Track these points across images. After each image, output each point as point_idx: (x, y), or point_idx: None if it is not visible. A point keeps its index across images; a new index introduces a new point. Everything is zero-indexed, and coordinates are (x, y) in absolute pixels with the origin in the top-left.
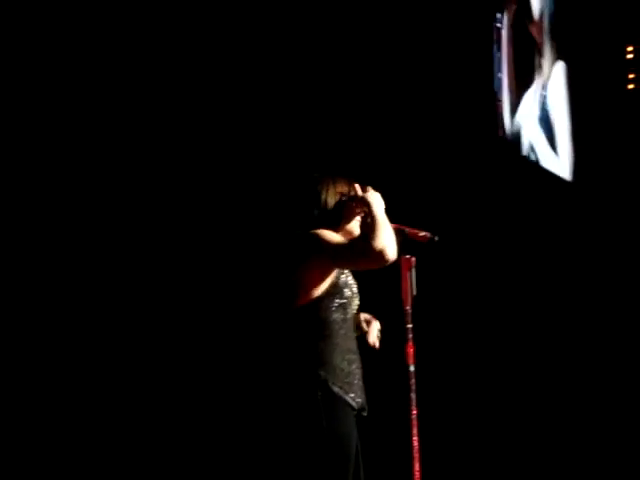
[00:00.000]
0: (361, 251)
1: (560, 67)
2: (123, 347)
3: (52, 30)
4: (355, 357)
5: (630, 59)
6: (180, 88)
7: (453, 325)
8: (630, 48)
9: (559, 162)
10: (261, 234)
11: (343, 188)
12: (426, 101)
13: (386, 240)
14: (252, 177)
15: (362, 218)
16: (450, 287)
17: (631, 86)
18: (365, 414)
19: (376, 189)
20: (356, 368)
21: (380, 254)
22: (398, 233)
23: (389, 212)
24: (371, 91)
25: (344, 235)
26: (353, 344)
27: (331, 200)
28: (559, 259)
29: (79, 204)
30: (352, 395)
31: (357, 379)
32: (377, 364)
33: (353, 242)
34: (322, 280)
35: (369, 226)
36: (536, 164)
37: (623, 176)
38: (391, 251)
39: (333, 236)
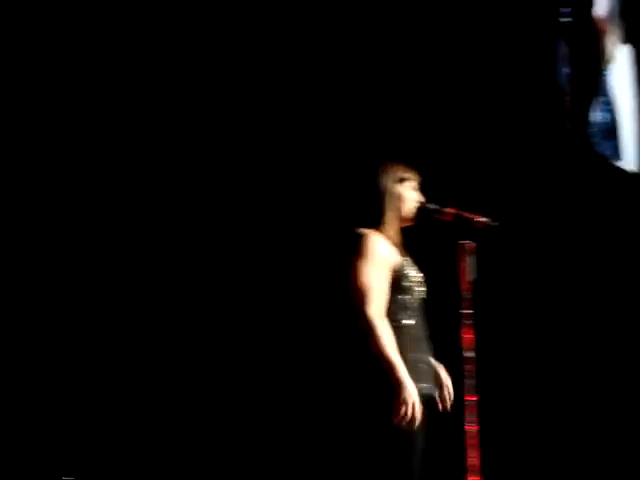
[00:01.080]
0: (360, 311)
1: (625, 52)
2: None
3: (52, 30)
4: (423, 345)
5: None
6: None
7: (512, 312)
8: None
9: (622, 151)
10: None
11: (403, 173)
12: (493, 93)
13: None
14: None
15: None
16: (509, 274)
17: None
18: (434, 397)
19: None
20: (425, 355)
21: (362, 322)
22: (457, 218)
23: (450, 197)
24: (440, 81)
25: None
26: (421, 332)
27: (391, 185)
28: (619, 253)
29: (85, 207)
30: (421, 385)
31: (427, 365)
32: (439, 350)
33: (368, 292)
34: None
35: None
36: (603, 156)
37: None
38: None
39: (366, 267)
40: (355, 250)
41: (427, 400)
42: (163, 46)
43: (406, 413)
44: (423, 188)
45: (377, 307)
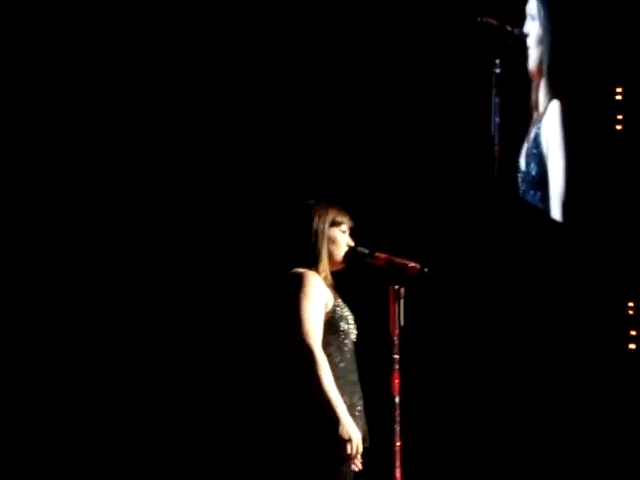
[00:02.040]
0: (302, 341)
1: (555, 105)
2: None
3: (52, 30)
4: (357, 389)
5: (619, 100)
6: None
7: (440, 357)
8: (619, 89)
9: (549, 200)
10: (257, 268)
11: (336, 216)
12: (425, 139)
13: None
14: (247, 204)
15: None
16: (438, 319)
17: (619, 127)
18: (366, 445)
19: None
20: (358, 399)
21: (304, 360)
22: (388, 263)
23: (381, 242)
24: (373, 125)
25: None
26: (354, 376)
27: (323, 228)
28: (547, 297)
29: (80, 211)
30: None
31: (359, 411)
32: (363, 395)
33: (310, 331)
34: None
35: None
36: (530, 205)
37: (612, 215)
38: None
39: (308, 305)
40: (296, 288)
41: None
42: (158, 45)
43: (347, 451)
44: (354, 232)
45: (319, 343)
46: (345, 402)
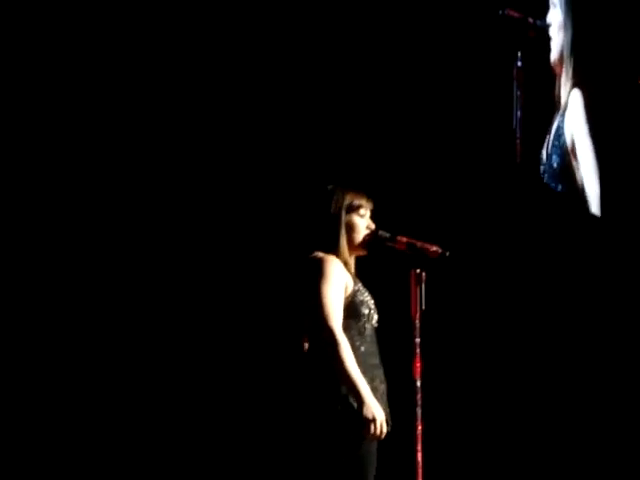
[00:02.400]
0: (324, 326)
1: (577, 94)
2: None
3: (52, 30)
4: (379, 372)
5: None
6: (176, 106)
7: (461, 341)
8: None
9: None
10: (276, 254)
11: (354, 200)
12: (448, 127)
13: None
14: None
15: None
16: (460, 303)
17: None
18: (389, 428)
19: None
20: (379, 383)
21: (325, 346)
22: (409, 247)
23: (403, 225)
24: (396, 111)
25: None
26: (376, 359)
27: (342, 213)
28: (568, 284)
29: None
30: None
31: (380, 394)
32: (386, 378)
33: (330, 315)
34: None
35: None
36: (552, 188)
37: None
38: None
39: (328, 290)
40: (315, 272)
41: None
42: (150, 45)
43: (371, 431)
44: (375, 216)
45: (339, 325)
46: (372, 381)
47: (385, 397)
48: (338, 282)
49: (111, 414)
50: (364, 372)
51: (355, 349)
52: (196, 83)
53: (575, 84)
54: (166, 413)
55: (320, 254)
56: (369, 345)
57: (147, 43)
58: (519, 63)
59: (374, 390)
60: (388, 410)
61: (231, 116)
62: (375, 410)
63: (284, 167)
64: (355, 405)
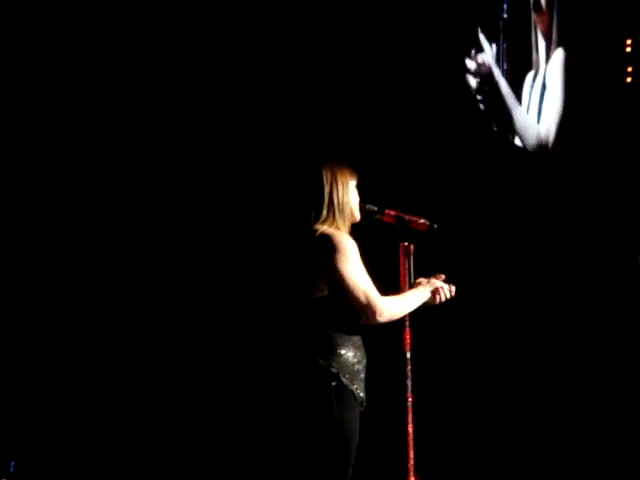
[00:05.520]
0: (366, 305)
1: (560, 53)
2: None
3: (52, 30)
4: (362, 352)
5: (629, 52)
6: (175, 84)
7: (450, 313)
8: (629, 41)
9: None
10: (272, 229)
11: (347, 178)
12: (425, 94)
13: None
14: (257, 170)
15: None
16: (447, 275)
17: (629, 79)
18: (362, 409)
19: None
20: (362, 360)
21: (377, 318)
22: (397, 220)
23: (389, 199)
24: (375, 80)
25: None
26: (360, 338)
27: (340, 192)
28: (552, 250)
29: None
30: (356, 387)
31: (362, 373)
32: (374, 350)
33: (366, 291)
34: None
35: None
36: (523, 149)
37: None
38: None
39: (352, 268)
40: (336, 251)
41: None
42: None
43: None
44: (363, 189)
45: (376, 294)
46: (352, 362)
47: (364, 376)
48: (358, 257)
49: (110, 409)
50: (351, 348)
51: (346, 324)
52: (186, 62)
53: (560, 43)
54: (167, 384)
55: (327, 229)
56: (357, 324)
57: (139, 35)
58: (505, 15)
59: (357, 367)
60: (364, 390)
61: (223, 96)
62: (431, 285)
63: (274, 143)
64: (344, 381)
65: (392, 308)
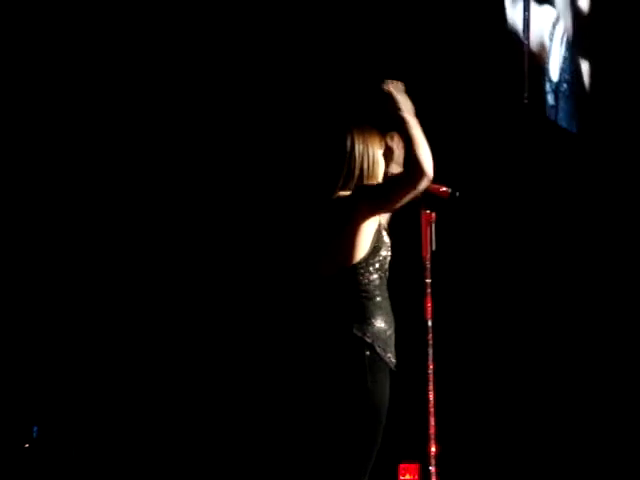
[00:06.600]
0: (407, 178)
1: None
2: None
3: (52, 30)
4: (391, 316)
5: None
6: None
7: (472, 281)
8: None
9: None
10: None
11: (377, 146)
12: (450, 61)
13: (426, 153)
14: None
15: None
16: (470, 243)
17: None
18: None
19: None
20: (392, 325)
21: (425, 171)
22: None
23: None
24: (403, 44)
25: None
26: (389, 303)
27: (370, 160)
28: (577, 223)
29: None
30: (389, 356)
31: (393, 337)
32: (396, 319)
33: (393, 179)
34: (364, 241)
35: (410, 139)
36: (555, 123)
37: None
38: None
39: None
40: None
41: (392, 371)
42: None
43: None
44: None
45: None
46: (385, 330)
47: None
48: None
49: (113, 407)
50: (382, 316)
51: (377, 293)
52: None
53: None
54: (177, 369)
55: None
56: (385, 290)
57: (139, 35)
58: None
59: (389, 335)
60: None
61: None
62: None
63: (291, 111)
64: (378, 350)
65: (421, 153)
